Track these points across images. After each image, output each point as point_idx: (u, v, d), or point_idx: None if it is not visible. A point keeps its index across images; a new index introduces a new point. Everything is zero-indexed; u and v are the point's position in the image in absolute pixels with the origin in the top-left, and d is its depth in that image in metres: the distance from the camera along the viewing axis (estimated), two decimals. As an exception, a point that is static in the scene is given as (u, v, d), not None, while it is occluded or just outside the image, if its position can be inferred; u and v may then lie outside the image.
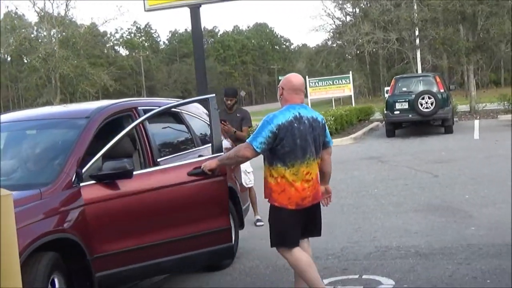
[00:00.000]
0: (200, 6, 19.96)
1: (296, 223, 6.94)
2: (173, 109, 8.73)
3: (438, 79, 28.34)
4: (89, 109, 7.75)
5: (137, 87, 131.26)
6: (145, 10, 21.16)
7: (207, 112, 10.86)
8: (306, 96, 56.69)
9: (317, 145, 6.94)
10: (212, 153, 7.62)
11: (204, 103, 8.74)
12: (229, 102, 12.17)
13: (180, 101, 8.24)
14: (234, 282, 8.27)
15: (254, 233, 11.26)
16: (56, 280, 6.20)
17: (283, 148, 6.71)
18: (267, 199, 7.07)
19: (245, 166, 11.98)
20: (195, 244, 7.37)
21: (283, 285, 8.13)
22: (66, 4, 70.62)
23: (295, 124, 6.74)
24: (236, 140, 12.02)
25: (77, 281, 6.65)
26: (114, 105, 8.03)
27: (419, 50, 52.74)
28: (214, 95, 7.69)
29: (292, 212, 6.83)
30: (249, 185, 11.96)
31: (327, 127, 7.23)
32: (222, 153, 7.46)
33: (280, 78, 65.09)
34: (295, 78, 7.08)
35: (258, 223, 11.95)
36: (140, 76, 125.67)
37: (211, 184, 7.60)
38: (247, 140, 6.83)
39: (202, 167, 7.42)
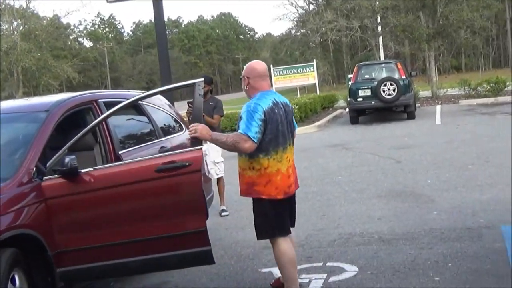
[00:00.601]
0: (163, -3, 19.93)
1: (286, 211, 7.02)
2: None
3: (399, 66, 28.54)
4: (49, 102, 7.65)
5: (101, 78, 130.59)
6: (107, 2, 21.08)
7: (170, 104, 10.90)
8: (271, 85, 56.81)
9: (291, 129, 7.04)
10: (191, 145, 6.91)
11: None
12: (204, 87, 11.95)
13: (163, 88, 7.86)
14: (199, 273, 8.27)
15: (220, 223, 11.28)
16: (16, 277, 6.13)
17: (267, 136, 6.72)
18: (247, 195, 7.06)
19: (214, 156, 11.99)
20: (166, 245, 6.80)
21: (248, 275, 8.15)
22: (27, -4, 70.03)
23: (276, 110, 6.79)
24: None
25: (38, 277, 6.60)
26: (74, 98, 7.94)
27: (381, 37, 52.96)
28: (202, 79, 7.02)
29: (281, 201, 6.88)
30: (219, 175, 11.97)
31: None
32: (200, 146, 6.82)
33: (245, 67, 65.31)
34: (258, 64, 7.13)
35: (223, 213, 11.97)
36: (105, 67, 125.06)
37: (183, 180, 6.84)
38: (241, 131, 6.67)
39: (193, 130, 6.63)
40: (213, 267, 8.32)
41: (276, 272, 8.08)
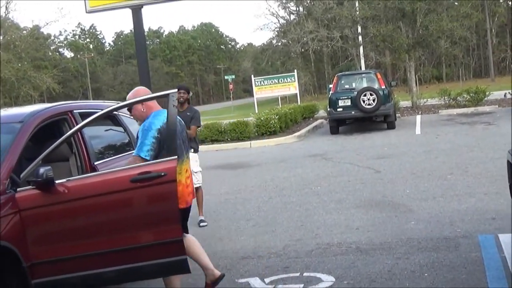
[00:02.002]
0: (142, 7, 19.94)
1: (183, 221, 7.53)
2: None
3: (379, 76, 28.64)
4: (23, 113, 7.60)
5: (82, 89, 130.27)
6: (86, 12, 21.03)
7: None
8: (252, 95, 56.91)
9: (186, 144, 7.71)
10: (166, 155, 6.89)
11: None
12: (181, 95, 11.87)
13: (138, 99, 7.83)
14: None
15: (198, 234, 11.23)
16: (-10, 288, 6.12)
17: (165, 150, 7.03)
18: None
19: (192, 166, 11.96)
20: (142, 255, 6.79)
21: (224, 285, 8.11)
22: (6, 7, 69.80)
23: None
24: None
25: (13, 289, 6.57)
26: (48, 109, 7.90)
27: (362, 47, 53.12)
28: (176, 90, 7.10)
29: (181, 211, 7.22)
30: (197, 185, 11.95)
31: None
32: (175, 156, 6.81)
33: (226, 77, 64.83)
34: (144, 90, 7.80)
35: (201, 224, 11.94)
36: (86, 78, 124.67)
37: (159, 191, 6.82)
38: (134, 154, 7.16)
39: None
40: (190, 278, 8.31)
41: (253, 282, 8.10)
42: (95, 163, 8.01)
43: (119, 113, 9.28)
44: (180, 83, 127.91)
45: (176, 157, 6.84)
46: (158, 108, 7.49)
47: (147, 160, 6.99)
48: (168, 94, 6.98)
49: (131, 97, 7.49)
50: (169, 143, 6.99)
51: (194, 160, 11.86)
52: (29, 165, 6.79)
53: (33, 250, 6.60)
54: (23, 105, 10.05)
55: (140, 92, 7.60)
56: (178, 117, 7.29)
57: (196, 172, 11.90)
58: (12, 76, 63.84)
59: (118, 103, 7.86)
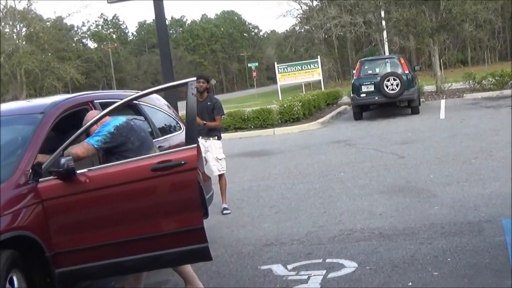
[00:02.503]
0: (163, -4, 19.92)
1: None
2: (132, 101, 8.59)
3: (402, 61, 28.44)
4: (44, 104, 7.65)
5: (106, 79, 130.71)
6: (108, 2, 21.10)
7: (168, 104, 10.90)
8: (275, 82, 56.86)
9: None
10: (186, 143, 6.90)
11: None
12: (200, 84, 11.88)
13: (157, 88, 7.82)
14: (199, 271, 8.24)
15: (221, 221, 11.29)
16: (14, 278, 6.14)
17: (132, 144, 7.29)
18: None
19: (216, 153, 12.03)
20: (163, 243, 6.82)
21: (248, 272, 8.16)
22: (29, -1, 70.16)
23: (131, 123, 7.47)
24: (209, 131, 12.01)
25: (37, 278, 6.62)
26: (69, 99, 7.93)
27: (385, 32, 52.84)
28: (195, 78, 7.14)
29: None
30: (221, 172, 11.97)
31: None
32: (195, 144, 6.84)
33: (249, 65, 64.69)
34: (94, 112, 7.64)
35: (224, 212, 11.96)
36: (110, 68, 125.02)
37: (179, 179, 6.84)
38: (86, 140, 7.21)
39: None
40: (213, 265, 8.35)
41: (276, 269, 8.12)
42: (117, 153, 8.03)
43: (140, 103, 9.30)
44: (203, 71, 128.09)
45: (196, 145, 6.86)
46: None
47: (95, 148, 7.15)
48: (187, 83, 6.99)
49: (87, 120, 7.44)
50: (189, 131, 7.01)
51: (218, 147, 11.92)
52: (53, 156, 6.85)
53: (56, 240, 6.65)
54: (47, 96, 10.12)
55: (91, 115, 7.52)
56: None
57: (220, 159, 11.94)
58: (36, 67, 64.26)
59: (138, 92, 7.87)
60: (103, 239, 6.77)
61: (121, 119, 7.39)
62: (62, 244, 6.69)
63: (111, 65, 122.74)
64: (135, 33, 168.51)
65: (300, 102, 29.21)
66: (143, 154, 7.13)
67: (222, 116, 12.52)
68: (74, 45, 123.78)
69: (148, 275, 8.32)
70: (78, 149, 7.03)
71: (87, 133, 7.42)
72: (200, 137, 11.71)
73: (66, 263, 6.70)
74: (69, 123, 7.85)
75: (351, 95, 29.10)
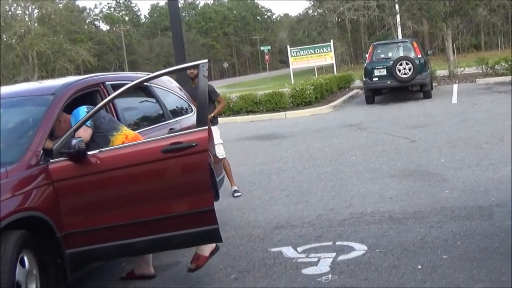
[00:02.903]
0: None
1: None
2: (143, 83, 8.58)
3: (415, 45, 28.35)
4: (55, 85, 7.67)
5: (118, 62, 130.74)
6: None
7: (180, 87, 10.90)
8: (288, 66, 56.76)
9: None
10: (197, 125, 6.93)
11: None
12: (191, 71, 11.83)
13: (168, 69, 7.81)
14: (209, 253, 8.31)
15: (232, 204, 11.32)
16: (25, 258, 6.18)
17: None
18: None
19: (215, 139, 12.03)
20: (173, 225, 6.85)
21: (258, 254, 8.18)
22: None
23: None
24: (214, 118, 12.01)
25: (48, 259, 6.66)
26: (80, 81, 7.96)
27: (398, 16, 52.60)
28: (206, 60, 7.10)
29: None
30: (221, 157, 11.98)
31: None
32: (206, 126, 6.90)
33: (262, 48, 64.59)
34: None
35: (235, 194, 11.98)
36: (122, 50, 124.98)
37: (190, 161, 6.87)
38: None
39: None
40: (223, 247, 8.37)
41: (286, 251, 8.14)
42: (128, 134, 8.06)
43: (151, 85, 9.31)
44: (216, 54, 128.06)
45: (207, 127, 6.88)
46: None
47: None
48: (198, 65, 7.00)
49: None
50: (200, 114, 7.03)
51: (214, 132, 11.90)
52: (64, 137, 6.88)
53: (67, 221, 6.69)
54: (58, 78, 10.15)
55: None
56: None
57: (216, 144, 11.91)
58: (47, 49, 64.38)
59: (149, 74, 7.88)
60: (113, 220, 6.80)
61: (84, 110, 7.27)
62: (72, 225, 6.73)
63: (123, 47, 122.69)
64: (147, 15, 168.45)
65: (312, 86, 29.18)
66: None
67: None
68: (86, 27, 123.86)
69: (159, 256, 8.36)
70: (85, 133, 7.10)
71: None
72: None
73: (76, 244, 6.75)
74: (80, 104, 7.86)
75: (364, 79, 29.04)
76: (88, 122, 7.11)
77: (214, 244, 7.44)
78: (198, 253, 7.45)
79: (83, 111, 7.18)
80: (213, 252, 7.48)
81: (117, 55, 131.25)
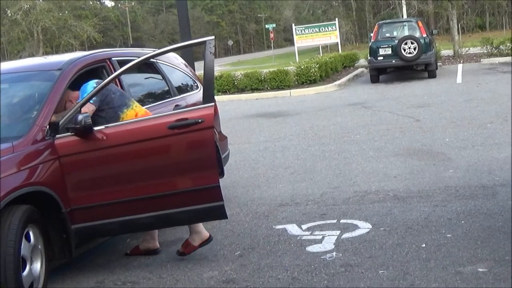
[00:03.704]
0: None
1: None
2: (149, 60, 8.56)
3: (420, 24, 28.29)
4: (61, 61, 7.66)
5: (123, 38, 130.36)
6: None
7: (186, 63, 10.90)
8: (292, 44, 56.60)
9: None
10: (203, 102, 6.93)
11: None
12: None
13: (174, 46, 7.80)
14: (214, 230, 8.30)
15: (236, 181, 11.33)
16: (31, 233, 6.21)
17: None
18: None
19: None
20: (178, 201, 6.90)
21: (262, 231, 8.20)
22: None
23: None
24: None
25: (53, 234, 6.69)
26: (87, 56, 7.95)
27: (404, -5, 52.40)
28: (213, 37, 7.07)
29: None
30: None
31: None
32: (212, 103, 6.89)
33: (267, 26, 64.29)
34: None
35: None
36: (127, 27, 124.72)
37: (196, 137, 6.90)
38: None
39: None
40: (228, 224, 8.40)
41: (290, 229, 8.16)
42: (134, 111, 8.07)
43: (158, 61, 9.31)
44: (221, 32, 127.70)
45: (213, 104, 6.89)
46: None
47: None
48: (205, 41, 6.99)
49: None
50: (206, 90, 7.03)
51: None
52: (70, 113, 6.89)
53: (72, 196, 6.72)
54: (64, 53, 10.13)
55: None
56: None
57: None
58: (52, 25, 64.16)
59: (155, 50, 7.87)
60: (119, 196, 6.84)
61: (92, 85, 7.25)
62: (78, 201, 6.77)
63: (128, 24, 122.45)
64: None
65: (317, 64, 29.12)
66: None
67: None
68: (91, 3, 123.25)
69: (163, 233, 8.39)
70: (87, 110, 7.07)
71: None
72: None
73: (82, 219, 6.79)
74: (86, 80, 7.86)
75: (369, 58, 28.98)
76: (93, 99, 7.09)
77: (206, 236, 7.44)
78: (189, 241, 7.48)
79: (91, 86, 7.18)
80: (203, 243, 7.45)
81: (122, 32, 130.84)
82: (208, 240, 7.47)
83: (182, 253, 7.48)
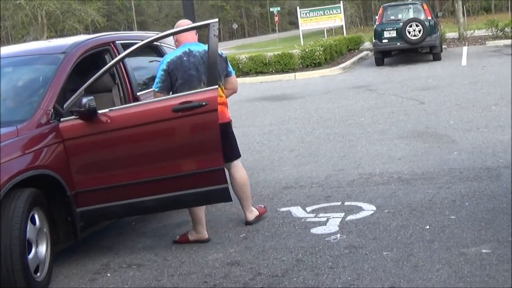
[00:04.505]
0: None
1: None
2: (153, 43, 8.57)
3: (425, 7, 28.17)
4: (66, 44, 7.68)
5: (128, 22, 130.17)
6: None
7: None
8: (297, 27, 56.49)
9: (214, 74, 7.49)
10: (207, 84, 7.02)
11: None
12: None
13: (178, 29, 7.81)
14: (218, 212, 8.37)
15: (241, 164, 11.33)
16: (36, 216, 6.24)
17: (178, 81, 7.41)
18: None
19: None
20: (183, 184, 6.93)
21: (267, 214, 8.20)
22: None
23: (184, 58, 7.47)
24: None
25: (58, 217, 6.72)
26: (91, 39, 7.97)
27: (409, -23, 52.24)
28: (216, 20, 7.11)
29: None
30: None
31: (227, 60, 8.00)
32: (216, 86, 6.94)
33: (271, 10, 64.03)
34: (182, 22, 7.88)
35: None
36: (131, 11, 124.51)
37: (200, 120, 6.94)
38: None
39: None
40: (233, 207, 8.42)
41: (295, 211, 8.19)
42: (138, 94, 8.09)
43: (162, 44, 9.32)
44: (226, 16, 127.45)
45: (217, 87, 6.90)
46: (186, 42, 7.63)
47: (155, 90, 7.48)
48: (208, 24, 7.00)
49: (178, 26, 7.73)
50: (210, 73, 7.04)
51: None
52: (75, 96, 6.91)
53: (77, 179, 6.75)
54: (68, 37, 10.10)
55: (180, 24, 7.73)
56: (200, 50, 7.56)
57: None
58: (56, 9, 64.16)
59: (158, 33, 7.88)
60: (124, 179, 6.86)
61: (174, 53, 7.55)
62: (83, 184, 6.80)
63: (132, 8, 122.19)
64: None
65: (321, 47, 29.05)
66: (183, 90, 7.27)
67: None
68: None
69: (168, 215, 8.43)
70: (155, 95, 7.45)
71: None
72: None
73: (87, 202, 6.82)
74: (90, 63, 7.89)
75: (373, 40, 28.88)
76: (156, 81, 7.47)
77: (204, 237, 7.44)
78: (187, 233, 7.54)
79: (171, 55, 7.58)
80: (197, 241, 7.42)
81: (126, 16, 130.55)
82: (204, 241, 7.44)
83: (176, 241, 7.53)
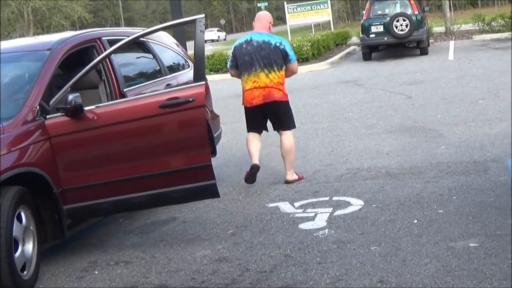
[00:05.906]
0: None
1: (252, 116, 9.56)
2: (139, 39, 8.54)
3: (412, 2, 28.15)
4: (51, 41, 7.64)
5: (115, 18, 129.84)
6: None
7: (177, 42, 10.87)
8: (285, 22, 56.46)
9: (267, 61, 9.18)
10: (194, 80, 6.95)
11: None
12: None
13: (164, 24, 7.81)
14: (207, 208, 8.34)
15: (229, 160, 11.35)
16: (22, 214, 6.20)
17: (239, 64, 9.27)
18: None
19: None
20: (170, 180, 6.91)
21: (255, 210, 8.22)
22: None
23: (244, 45, 9.23)
24: None
25: (45, 215, 6.69)
26: (76, 36, 7.92)
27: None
28: (203, 15, 7.11)
29: (247, 108, 9.52)
30: None
31: (287, 48, 9.46)
32: (203, 82, 6.90)
33: (259, 5, 63.93)
34: (262, 13, 9.83)
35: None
36: (118, 7, 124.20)
37: (187, 116, 6.91)
38: None
39: None
40: (221, 203, 8.41)
41: (283, 207, 8.18)
42: (124, 90, 8.04)
43: (148, 40, 9.27)
44: (213, 12, 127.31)
45: (204, 82, 6.87)
46: (254, 30, 9.46)
47: (228, 68, 9.82)
48: (195, 20, 6.99)
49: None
50: (197, 69, 7.03)
51: None
52: (61, 93, 6.87)
53: (64, 176, 6.72)
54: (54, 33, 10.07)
55: (261, 16, 9.62)
56: (259, 40, 9.16)
57: None
58: (43, 5, 64.00)
59: (145, 29, 7.85)
60: (110, 176, 6.84)
61: (241, 40, 9.35)
62: (69, 181, 6.77)
63: (119, 4, 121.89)
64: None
65: (309, 42, 29.07)
66: (243, 72, 9.24)
67: None
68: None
69: (155, 212, 8.41)
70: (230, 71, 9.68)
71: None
72: None
73: (74, 199, 6.79)
74: (76, 60, 7.85)
75: (361, 35, 28.91)
76: (229, 59, 9.58)
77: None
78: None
79: (239, 40, 9.41)
80: None
81: (113, 12, 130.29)
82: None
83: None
